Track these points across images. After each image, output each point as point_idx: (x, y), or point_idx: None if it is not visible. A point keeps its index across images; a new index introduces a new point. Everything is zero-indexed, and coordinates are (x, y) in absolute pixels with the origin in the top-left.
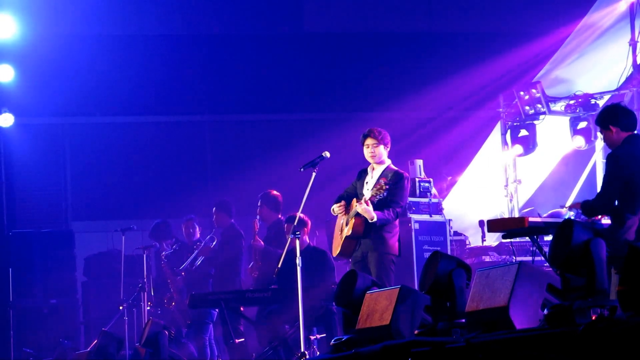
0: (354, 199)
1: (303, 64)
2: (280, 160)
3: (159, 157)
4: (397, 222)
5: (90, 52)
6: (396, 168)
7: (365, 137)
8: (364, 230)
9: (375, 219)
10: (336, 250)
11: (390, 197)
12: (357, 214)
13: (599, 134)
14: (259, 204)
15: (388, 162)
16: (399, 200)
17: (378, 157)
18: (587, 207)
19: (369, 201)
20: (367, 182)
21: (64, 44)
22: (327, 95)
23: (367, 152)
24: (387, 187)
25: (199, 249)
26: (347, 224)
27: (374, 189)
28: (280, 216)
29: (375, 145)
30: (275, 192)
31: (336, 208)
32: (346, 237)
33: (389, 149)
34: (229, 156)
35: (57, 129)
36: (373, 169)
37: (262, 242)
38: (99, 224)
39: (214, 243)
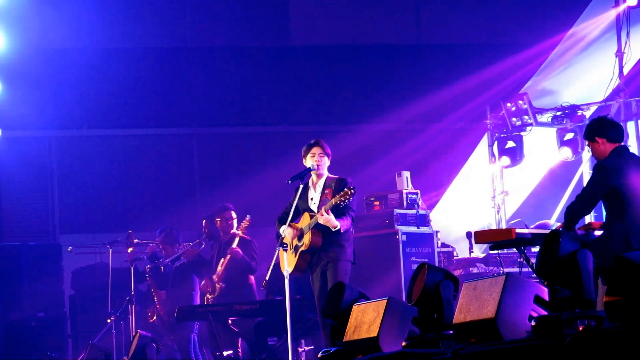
0: (306, 213)
1: (290, 77)
2: (268, 173)
3: (146, 170)
4: (351, 228)
5: (77, 65)
6: (336, 176)
7: (312, 146)
8: (322, 242)
9: (338, 227)
10: (290, 266)
11: (342, 204)
12: (313, 227)
13: (586, 146)
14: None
15: (327, 173)
16: (351, 204)
17: (322, 167)
18: (567, 210)
19: (329, 211)
20: (312, 198)
21: (52, 57)
22: (314, 108)
23: (311, 160)
24: (338, 195)
25: (184, 250)
26: (300, 239)
27: (334, 199)
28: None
29: (321, 154)
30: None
31: (289, 229)
32: (302, 251)
33: (329, 164)
34: (217, 169)
35: (44, 142)
36: (314, 183)
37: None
38: (87, 237)
39: (201, 248)
